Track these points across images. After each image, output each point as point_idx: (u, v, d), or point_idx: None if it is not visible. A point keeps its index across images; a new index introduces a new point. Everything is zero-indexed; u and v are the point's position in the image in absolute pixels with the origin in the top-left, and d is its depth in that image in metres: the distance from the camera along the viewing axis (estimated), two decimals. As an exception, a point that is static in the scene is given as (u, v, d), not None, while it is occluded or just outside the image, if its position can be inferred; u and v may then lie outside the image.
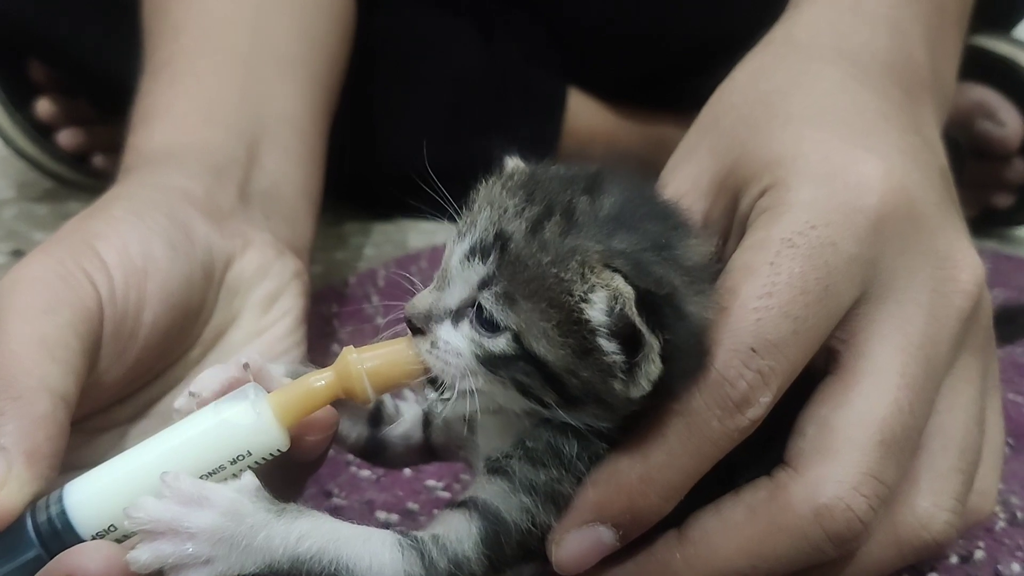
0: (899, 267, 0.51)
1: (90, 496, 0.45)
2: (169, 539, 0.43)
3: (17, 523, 0.44)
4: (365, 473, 0.70)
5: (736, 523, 0.49)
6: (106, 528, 0.45)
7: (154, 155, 0.70)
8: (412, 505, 0.67)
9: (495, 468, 0.49)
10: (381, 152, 1.18)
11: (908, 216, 0.51)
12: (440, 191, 0.49)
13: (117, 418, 0.57)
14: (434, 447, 0.57)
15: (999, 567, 0.63)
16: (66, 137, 1.21)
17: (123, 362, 0.55)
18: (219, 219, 0.65)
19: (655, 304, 0.44)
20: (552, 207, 0.46)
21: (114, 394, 0.56)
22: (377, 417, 0.56)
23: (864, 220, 0.50)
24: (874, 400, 0.49)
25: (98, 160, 1.23)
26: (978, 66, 1.17)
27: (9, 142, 1.22)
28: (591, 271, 0.44)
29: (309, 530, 0.45)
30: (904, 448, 0.49)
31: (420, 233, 1.18)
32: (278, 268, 0.66)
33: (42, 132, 1.22)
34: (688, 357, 0.45)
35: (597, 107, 1.28)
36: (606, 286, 0.44)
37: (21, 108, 1.20)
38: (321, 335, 0.89)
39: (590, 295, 0.44)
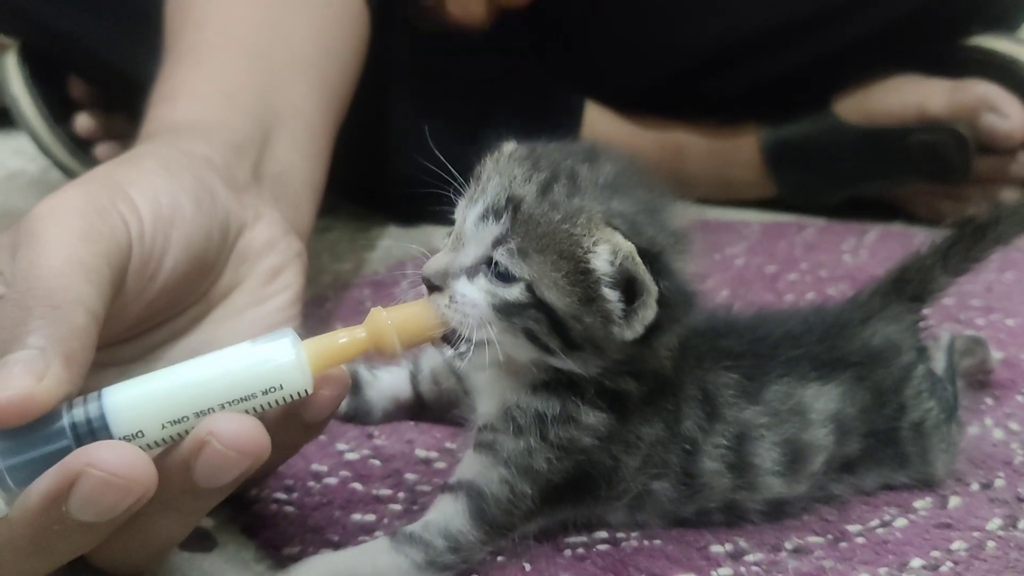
0: None
1: (128, 401, 0.47)
2: None
3: (51, 416, 0.46)
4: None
5: None
6: (133, 433, 0.47)
7: (177, 125, 0.73)
8: (450, 445, 0.69)
9: (480, 443, 0.55)
10: (400, 163, 1.22)
11: None
12: (458, 200, 0.54)
13: (119, 357, 0.59)
14: (425, 404, 0.62)
15: (1019, 490, 0.65)
16: (103, 151, 1.26)
17: (139, 302, 0.57)
18: (236, 190, 0.68)
19: (649, 258, 0.50)
20: (557, 172, 0.52)
21: (124, 332, 0.59)
22: (355, 385, 0.60)
23: None
24: None
25: (134, 173, 1.27)
26: (980, 65, 1.22)
27: (50, 155, 1.27)
28: (596, 227, 0.50)
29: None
30: None
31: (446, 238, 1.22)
32: (284, 245, 0.69)
33: (80, 146, 1.27)
34: (675, 307, 0.51)
35: (613, 117, 1.32)
36: (608, 241, 0.50)
37: (61, 123, 1.26)
38: (355, 313, 0.93)
39: (595, 248, 0.50)
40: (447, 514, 0.54)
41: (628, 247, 0.49)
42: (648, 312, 0.50)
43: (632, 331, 0.51)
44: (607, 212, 0.51)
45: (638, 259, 0.49)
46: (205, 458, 0.45)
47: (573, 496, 0.56)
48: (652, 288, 0.49)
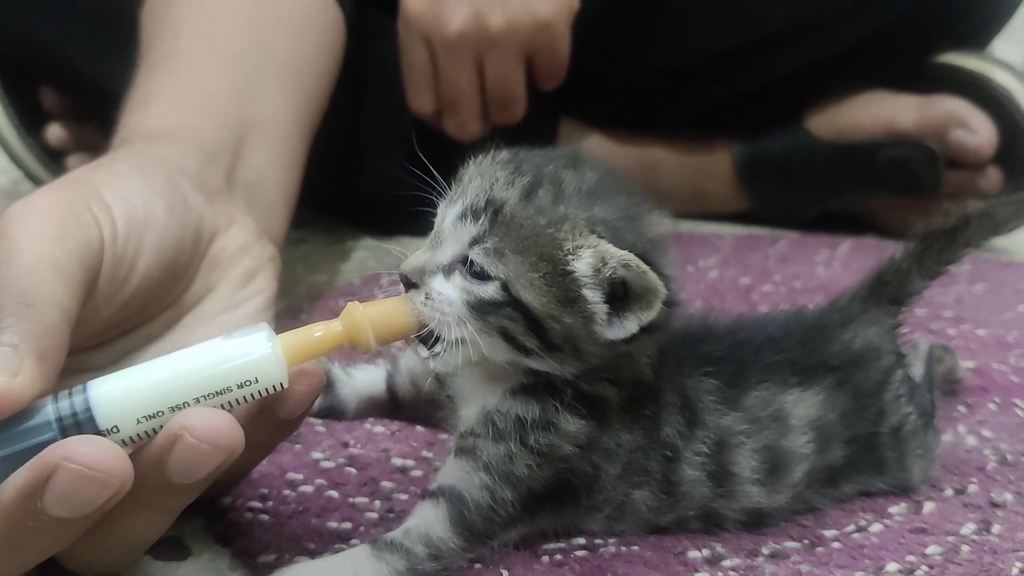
0: None
1: (111, 394, 0.47)
2: None
3: (24, 414, 0.45)
4: (379, 429, 0.72)
5: None
6: (109, 428, 0.46)
7: (150, 133, 0.73)
8: (427, 453, 0.69)
9: (462, 448, 0.55)
10: (374, 174, 1.21)
11: None
12: (433, 215, 0.54)
13: (91, 363, 0.59)
14: (400, 402, 0.62)
15: (992, 495, 0.66)
16: (75, 162, 1.25)
17: (112, 305, 0.57)
18: (208, 196, 0.68)
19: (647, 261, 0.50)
20: (541, 177, 0.53)
21: (96, 336, 0.58)
22: (328, 383, 0.61)
23: None
24: None
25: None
26: (949, 81, 1.23)
27: (21, 166, 1.26)
28: (579, 234, 0.51)
29: None
30: None
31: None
32: (257, 250, 0.69)
33: (52, 157, 1.26)
34: (670, 307, 0.52)
35: (588, 132, 1.32)
36: (593, 247, 0.51)
37: (32, 133, 1.25)
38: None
39: (577, 252, 0.51)
40: (428, 521, 0.54)
41: (625, 254, 0.50)
42: (651, 313, 0.51)
43: (625, 330, 0.51)
44: (590, 219, 0.51)
45: (644, 265, 0.50)
46: (178, 452, 0.45)
47: (554, 504, 0.56)
48: (661, 291, 0.50)
